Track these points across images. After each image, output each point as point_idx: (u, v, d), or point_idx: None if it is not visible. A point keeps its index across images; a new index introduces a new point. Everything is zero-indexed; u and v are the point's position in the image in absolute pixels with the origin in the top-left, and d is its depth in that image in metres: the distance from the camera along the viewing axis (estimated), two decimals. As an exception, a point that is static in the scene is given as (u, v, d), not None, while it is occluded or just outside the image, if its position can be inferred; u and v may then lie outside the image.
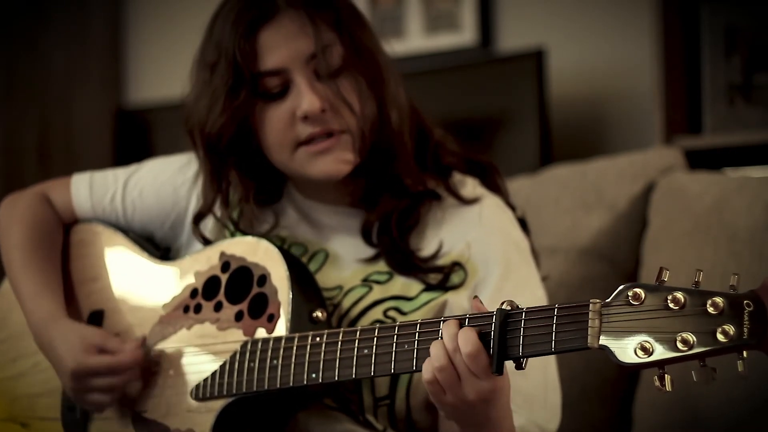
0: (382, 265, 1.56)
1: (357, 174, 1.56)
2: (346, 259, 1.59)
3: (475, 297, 1.30)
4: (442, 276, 1.53)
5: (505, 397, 1.29)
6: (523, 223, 1.64)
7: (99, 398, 1.50)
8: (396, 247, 1.55)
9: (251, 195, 1.57)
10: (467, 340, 1.23)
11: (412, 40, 3.12)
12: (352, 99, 1.52)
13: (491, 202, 1.60)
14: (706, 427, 1.83)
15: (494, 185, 1.64)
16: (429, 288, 1.53)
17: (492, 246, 1.54)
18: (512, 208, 1.64)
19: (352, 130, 1.52)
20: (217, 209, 1.60)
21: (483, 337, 1.24)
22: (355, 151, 1.53)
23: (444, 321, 1.28)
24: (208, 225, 1.62)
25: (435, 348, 1.26)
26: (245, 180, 1.57)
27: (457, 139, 1.68)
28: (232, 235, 1.61)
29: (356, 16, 1.58)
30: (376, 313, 1.52)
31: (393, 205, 1.56)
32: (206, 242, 1.60)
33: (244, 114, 1.53)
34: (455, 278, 1.53)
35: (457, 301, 1.51)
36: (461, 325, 1.26)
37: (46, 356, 1.55)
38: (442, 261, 1.54)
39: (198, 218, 1.61)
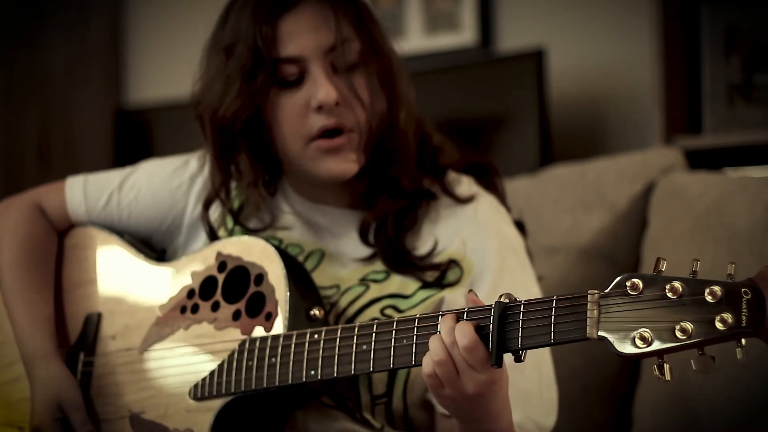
0: (379, 265, 1.56)
1: (358, 173, 1.56)
2: (343, 259, 1.59)
3: (470, 291, 1.30)
4: (439, 273, 1.53)
5: (504, 391, 1.29)
6: (520, 226, 1.64)
7: None
8: (392, 246, 1.55)
9: (260, 180, 1.57)
10: (464, 333, 1.23)
11: (412, 40, 3.12)
12: (364, 95, 1.52)
13: (486, 200, 1.61)
14: (706, 427, 1.83)
15: (492, 186, 1.64)
16: (426, 285, 1.53)
17: (487, 244, 1.54)
18: (508, 209, 1.64)
19: (362, 127, 1.53)
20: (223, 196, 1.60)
21: (482, 330, 1.24)
22: (362, 151, 1.54)
23: (442, 315, 1.28)
24: (211, 217, 1.62)
25: (433, 342, 1.26)
26: (256, 164, 1.57)
27: (455, 141, 1.68)
28: (231, 230, 1.61)
29: (371, 14, 1.59)
30: (373, 311, 1.52)
31: (390, 206, 1.56)
32: (212, 231, 1.60)
33: (260, 99, 1.53)
34: (451, 275, 1.53)
35: (454, 298, 1.51)
36: (459, 319, 1.26)
37: (30, 389, 1.56)
38: (438, 258, 1.55)
39: (208, 203, 1.61)
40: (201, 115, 1.58)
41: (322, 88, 1.50)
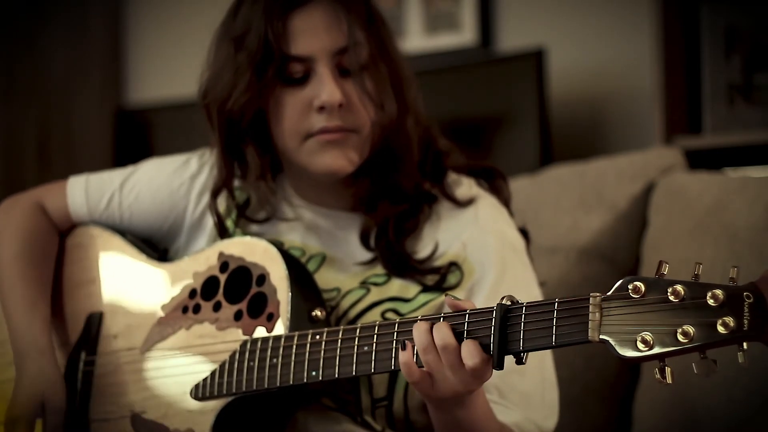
0: (379, 268, 1.56)
1: (359, 176, 1.56)
2: (344, 263, 1.58)
3: (446, 294, 1.30)
4: (439, 277, 1.53)
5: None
6: (524, 233, 1.63)
7: None
8: (392, 250, 1.55)
9: (268, 172, 1.57)
10: (441, 335, 1.24)
11: (412, 40, 3.13)
12: (370, 99, 1.52)
13: (486, 202, 1.60)
14: (706, 428, 1.83)
15: (498, 191, 1.64)
16: (426, 289, 1.53)
17: (487, 246, 1.54)
18: (511, 214, 1.64)
19: (363, 131, 1.53)
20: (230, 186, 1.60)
21: (483, 332, 1.24)
22: (360, 153, 1.54)
23: (444, 317, 1.27)
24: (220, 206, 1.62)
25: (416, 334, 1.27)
26: (263, 156, 1.57)
27: (455, 141, 1.67)
28: (234, 223, 1.61)
29: (382, 17, 1.58)
30: (374, 315, 1.52)
31: (392, 211, 1.56)
32: (219, 220, 1.60)
33: (268, 93, 1.52)
34: (452, 279, 1.53)
35: (455, 302, 1.51)
36: (457, 321, 1.26)
37: (16, 379, 1.55)
38: (438, 261, 1.54)
39: (216, 192, 1.60)
40: (208, 105, 1.58)
41: (326, 89, 1.50)
